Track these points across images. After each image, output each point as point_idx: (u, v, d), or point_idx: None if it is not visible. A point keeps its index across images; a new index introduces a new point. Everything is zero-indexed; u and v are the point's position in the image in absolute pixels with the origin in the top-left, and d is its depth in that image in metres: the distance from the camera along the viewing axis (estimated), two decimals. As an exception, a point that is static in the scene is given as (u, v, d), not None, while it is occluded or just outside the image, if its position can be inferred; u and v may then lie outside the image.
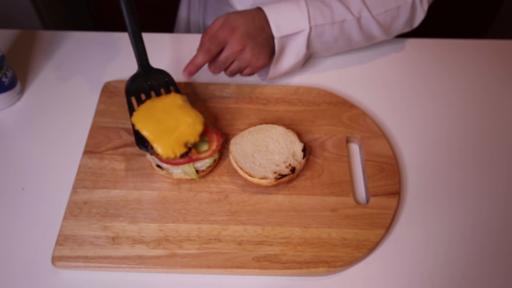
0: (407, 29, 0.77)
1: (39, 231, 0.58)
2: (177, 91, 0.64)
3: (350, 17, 0.70)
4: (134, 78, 0.64)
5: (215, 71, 0.65)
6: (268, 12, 0.66)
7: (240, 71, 0.67)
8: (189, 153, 0.58)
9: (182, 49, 0.81)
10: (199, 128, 0.59)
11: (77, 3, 1.64)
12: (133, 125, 0.59)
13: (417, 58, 0.81)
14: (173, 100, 0.61)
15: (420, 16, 0.75)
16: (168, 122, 0.58)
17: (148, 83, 0.64)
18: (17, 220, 0.59)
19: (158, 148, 0.57)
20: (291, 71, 0.74)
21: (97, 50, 0.80)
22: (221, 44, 0.63)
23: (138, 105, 0.61)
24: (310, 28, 0.68)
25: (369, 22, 0.72)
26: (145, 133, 0.58)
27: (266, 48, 0.67)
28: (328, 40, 0.71)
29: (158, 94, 0.63)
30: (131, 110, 0.61)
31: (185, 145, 0.58)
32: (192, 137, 0.58)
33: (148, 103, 0.60)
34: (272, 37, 0.67)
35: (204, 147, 0.61)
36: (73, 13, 1.63)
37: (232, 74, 0.67)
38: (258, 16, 0.66)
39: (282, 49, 0.69)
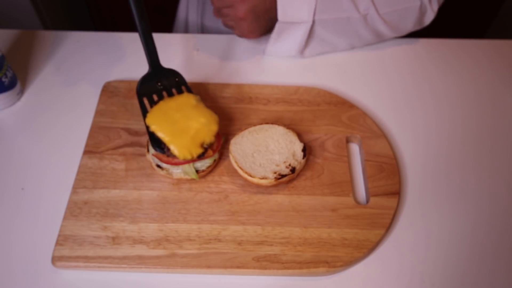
0: (417, 28, 0.79)
1: (39, 231, 0.58)
2: (189, 90, 0.63)
3: (356, 15, 0.73)
4: (144, 79, 0.62)
5: (215, 15, 0.76)
6: None
7: (232, 28, 0.76)
8: (205, 153, 0.58)
9: (181, 49, 0.81)
10: (214, 128, 0.59)
11: (77, 3, 1.65)
12: (147, 127, 0.59)
13: (417, 58, 0.81)
14: (187, 100, 0.60)
15: (430, 16, 0.77)
16: (182, 123, 0.58)
17: (159, 83, 0.63)
18: (17, 220, 0.59)
19: (175, 150, 0.57)
20: (290, 55, 0.78)
21: (97, 50, 0.80)
22: (227, 5, 0.71)
23: (151, 106, 0.60)
24: (314, 21, 0.72)
25: (375, 20, 0.74)
26: (160, 134, 0.57)
27: (263, 27, 0.75)
28: (334, 31, 0.75)
29: (170, 95, 0.62)
30: (144, 112, 0.60)
31: (201, 145, 0.58)
32: (208, 137, 0.58)
33: (161, 104, 0.60)
34: (275, 20, 0.72)
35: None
36: (73, 13, 1.63)
37: (225, 26, 0.77)
38: None
39: (282, 32, 0.74)
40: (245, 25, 0.72)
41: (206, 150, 0.58)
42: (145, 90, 0.62)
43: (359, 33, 0.76)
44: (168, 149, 0.57)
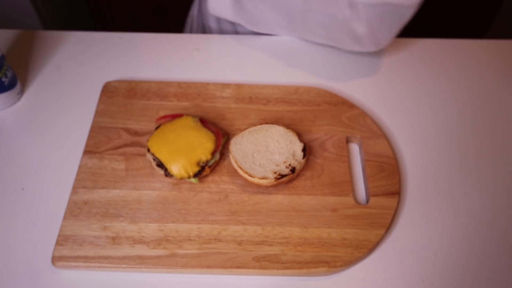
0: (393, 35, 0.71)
1: (39, 231, 0.58)
2: None
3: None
4: None
5: None
6: None
7: None
8: (202, 171, 0.60)
9: (181, 49, 0.81)
10: (210, 146, 0.60)
11: (77, 3, 1.64)
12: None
13: (417, 58, 0.81)
14: (185, 122, 0.62)
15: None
16: (179, 143, 0.60)
17: None
18: (17, 220, 0.59)
19: (172, 169, 0.59)
20: (227, 14, 0.77)
21: (97, 50, 0.80)
22: None
23: None
24: None
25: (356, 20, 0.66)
26: (159, 156, 0.59)
27: None
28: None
29: None
30: None
31: (198, 164, 0.59)
32: (204, 155, 0.60)
33: (162, 128, 0.62)
34: None
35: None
36: (73, 13, 1.63)
37: None
38: None
39: None
40: None
41: (203, 168, 0.59)
42: None
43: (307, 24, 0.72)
44: (166, 170, 0.59)
